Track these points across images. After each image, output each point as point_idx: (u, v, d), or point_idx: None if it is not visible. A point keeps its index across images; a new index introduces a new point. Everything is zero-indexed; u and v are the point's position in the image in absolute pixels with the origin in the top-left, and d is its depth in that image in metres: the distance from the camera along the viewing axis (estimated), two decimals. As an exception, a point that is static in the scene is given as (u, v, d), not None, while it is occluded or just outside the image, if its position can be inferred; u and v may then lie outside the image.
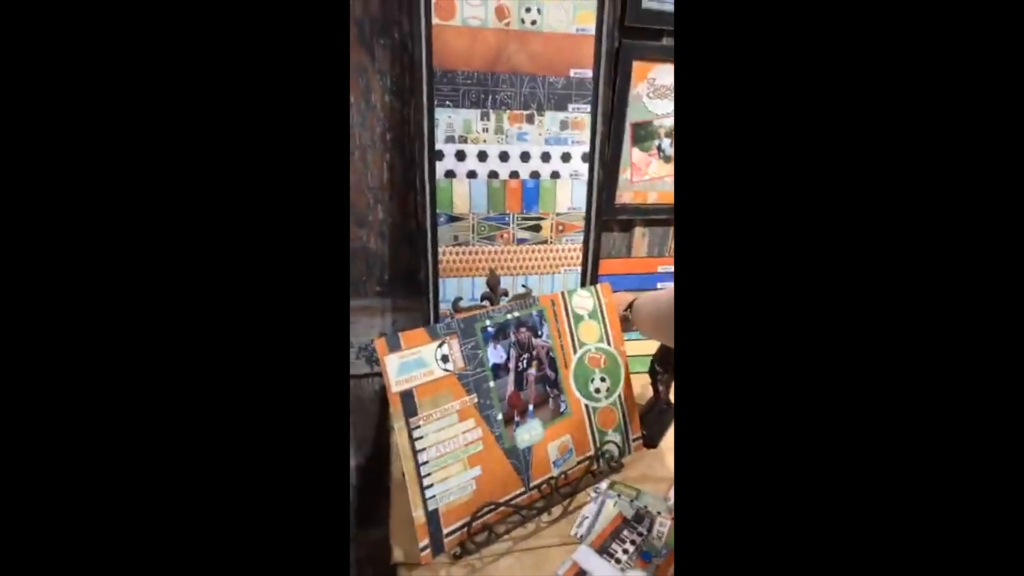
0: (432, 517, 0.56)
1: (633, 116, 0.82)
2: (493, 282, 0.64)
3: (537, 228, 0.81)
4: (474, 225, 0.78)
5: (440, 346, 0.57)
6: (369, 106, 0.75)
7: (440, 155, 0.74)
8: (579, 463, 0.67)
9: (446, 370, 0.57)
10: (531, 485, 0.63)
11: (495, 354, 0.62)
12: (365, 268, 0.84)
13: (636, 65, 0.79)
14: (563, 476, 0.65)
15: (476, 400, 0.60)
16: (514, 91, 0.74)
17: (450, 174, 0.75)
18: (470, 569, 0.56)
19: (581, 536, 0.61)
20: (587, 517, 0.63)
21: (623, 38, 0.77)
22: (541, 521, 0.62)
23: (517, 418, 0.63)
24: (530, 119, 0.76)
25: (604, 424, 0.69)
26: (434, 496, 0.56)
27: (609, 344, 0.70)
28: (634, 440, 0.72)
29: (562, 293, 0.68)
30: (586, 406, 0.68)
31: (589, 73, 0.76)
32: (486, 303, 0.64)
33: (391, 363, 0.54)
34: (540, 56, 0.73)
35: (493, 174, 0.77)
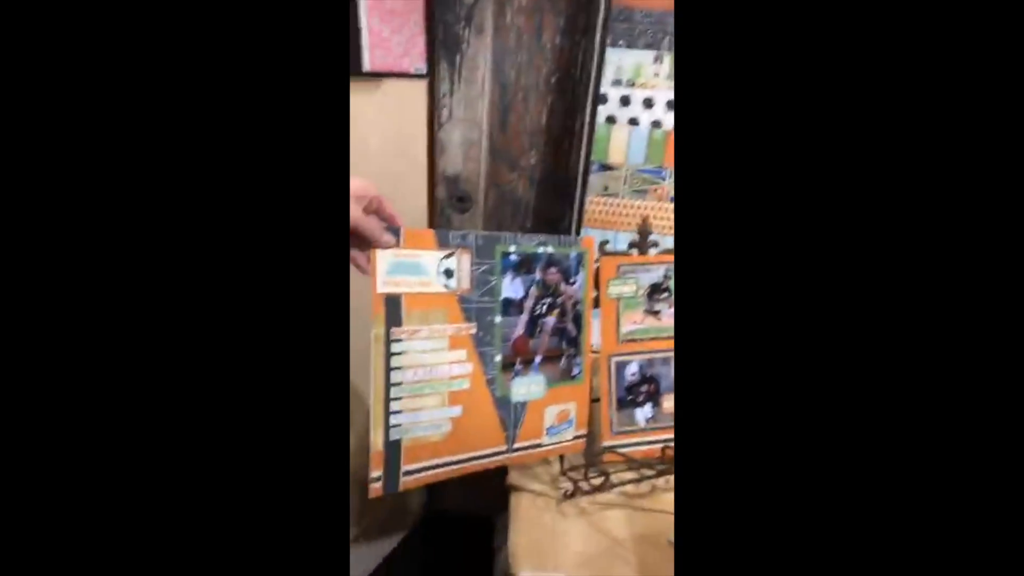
0: (392, 448, 0.47)
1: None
2: (644, 230, 0.61)
3: (695, 187, 0.75)
4: (627, 176, 0.75)
5: (447, 258, 0.48)
6: (539, 45, 0.75)
7: (604, 99, 0.72)
8: (575, 439, 0.58)
9: (446, 286, 0.48)
10: (514, 446, 0.54)
11: (511, 287, 0.52)
12: (510, 213, 0.86)
13: None
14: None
15: (474, 331, 0.50)
16: (696, 32, 0.68)
17: (611, 119, 0.73)
18: (579, 511, 0.56)
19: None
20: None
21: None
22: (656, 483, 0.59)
23: (518, 367, 0.53)
24: (709, 64, 0.69)
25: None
26: (399, 425, 0.47)
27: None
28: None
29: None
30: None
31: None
32: (634, 251, 0.61)
33: (382, 259, 0.45)
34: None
35: (656, 123, 0.72)
